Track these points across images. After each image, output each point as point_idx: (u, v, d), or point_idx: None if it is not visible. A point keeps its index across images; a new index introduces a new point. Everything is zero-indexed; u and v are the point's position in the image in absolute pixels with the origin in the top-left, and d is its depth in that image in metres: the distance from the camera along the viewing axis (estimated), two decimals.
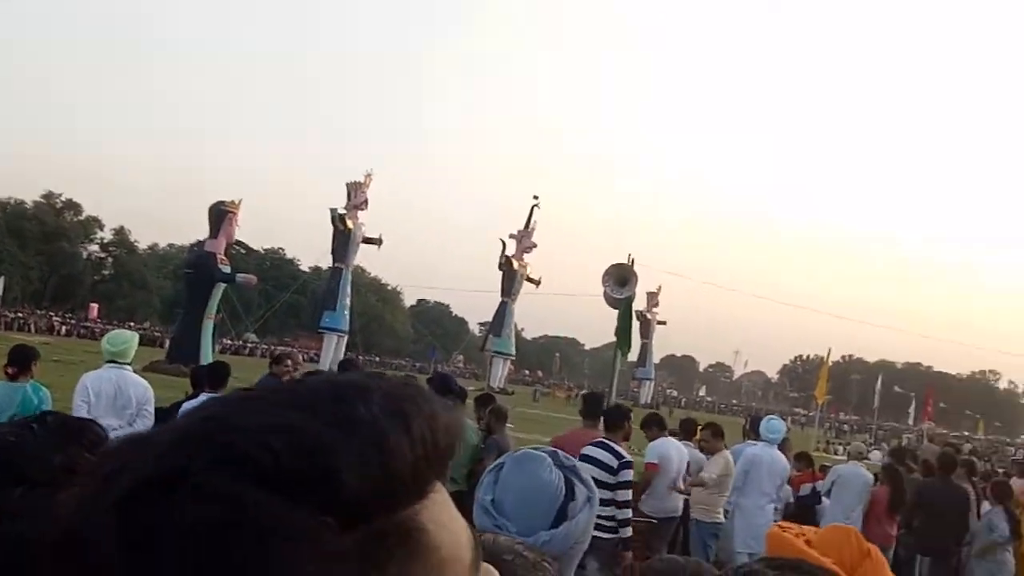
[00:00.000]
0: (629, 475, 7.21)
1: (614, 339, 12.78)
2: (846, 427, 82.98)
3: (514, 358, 68.86)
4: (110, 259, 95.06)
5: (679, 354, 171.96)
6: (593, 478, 2.23)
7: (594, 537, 2.21)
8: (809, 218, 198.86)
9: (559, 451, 2.18)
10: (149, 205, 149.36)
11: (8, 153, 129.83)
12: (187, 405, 7.19)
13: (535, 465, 2.10)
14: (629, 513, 7.25)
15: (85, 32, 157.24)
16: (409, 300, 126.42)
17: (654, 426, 9.31)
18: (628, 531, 7.21)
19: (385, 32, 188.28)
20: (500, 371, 63.18)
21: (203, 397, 7.24)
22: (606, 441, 7.29)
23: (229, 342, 69.52)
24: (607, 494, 6.83)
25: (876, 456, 18.32)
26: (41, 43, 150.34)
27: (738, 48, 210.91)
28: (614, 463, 7.11)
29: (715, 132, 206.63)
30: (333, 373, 0.70)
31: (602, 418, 7.79)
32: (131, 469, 0.40)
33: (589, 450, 7.09)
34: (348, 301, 53.43)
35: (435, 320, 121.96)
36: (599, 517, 2.30)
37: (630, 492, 7.30)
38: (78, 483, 0.41)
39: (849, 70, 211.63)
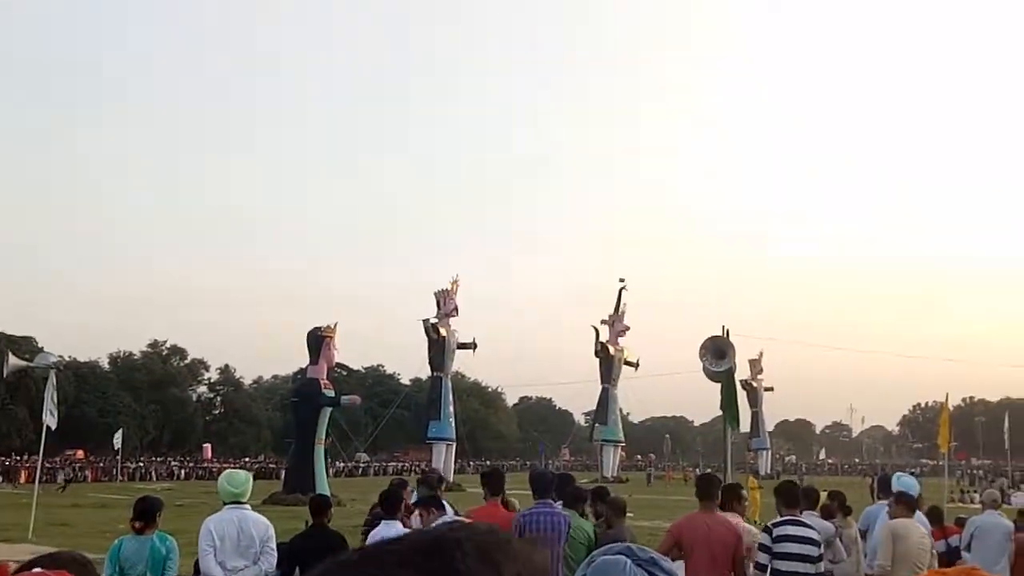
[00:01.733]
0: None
1: (721, 413, 12.63)
2: (979, 472, 79.43)
3: (624, 444, 68.12)
4: (218, 398, 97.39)
5: (792, 418, 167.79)
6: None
7: None
8: (898, 264, 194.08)
9: (633, 546, 2.20)
10: (250, 340, 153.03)
11: (113, 307, 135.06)
12: (374, 534, 7.86)
13: (613, 572, 2.13)
14: None
15: (157, 189, 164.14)
16: (511, 399, 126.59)
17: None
18: None
19: (454, 139, 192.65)
20: (612, 459, 62.60)
21: (382, 525, 7.91)
22: (796, 518, 7.78)
23: (342, 464, 70.18)
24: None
25: (1020, 499, 17.48)
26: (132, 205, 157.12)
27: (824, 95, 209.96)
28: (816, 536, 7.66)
29: (779, 186, 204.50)
30: (431, 528, 0.71)
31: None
32: None
33: (789, 529, 7.56)
34: (452, 408, 53.79)
35: (540, 416, 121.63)
36: None
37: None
38: None
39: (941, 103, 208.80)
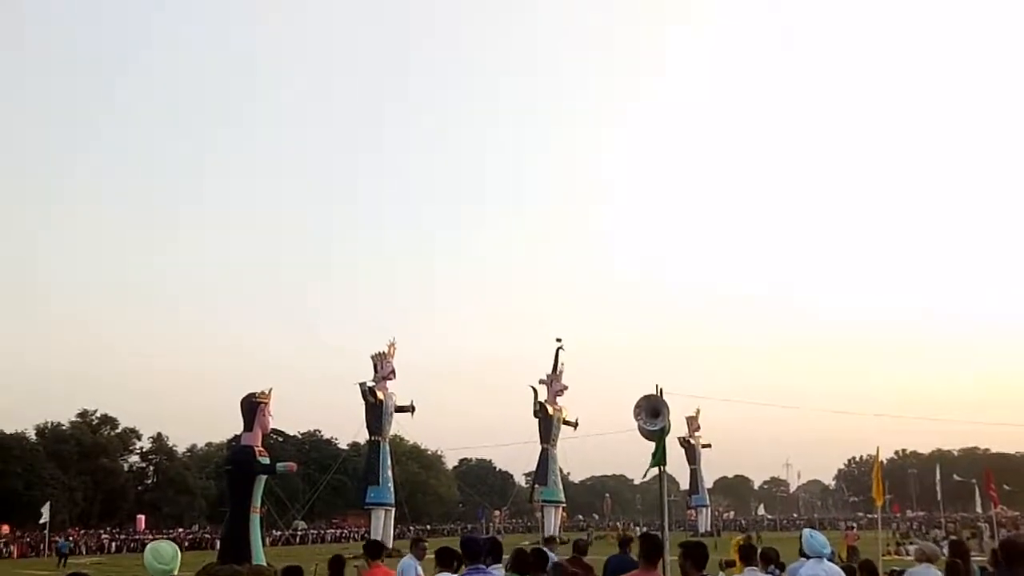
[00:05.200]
0: None
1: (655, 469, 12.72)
2: (913, 524, 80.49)
3: (565, 504, 67.80)
4: (151, 467, 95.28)
5: (731, 475, 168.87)
6: None
7: None
8: (833, 316, 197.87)
9: None
10: (182, 408, 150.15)
11: (39, 376, 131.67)
12: None
13: None
14: None
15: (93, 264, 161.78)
16: (451, 462, 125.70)
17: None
18: None
19: (388, 202, 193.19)
20: (553, 520, 62.17)
21: None
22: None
23: (279, 533, 68.78)
24: None
25: None
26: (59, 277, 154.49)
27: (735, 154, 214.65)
28: None
29: (721, 242, 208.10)
30: None
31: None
32: None
33: None
34: (390, 473, 53.23)
35: (480, 478, 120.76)
36: None
37: None
38: None
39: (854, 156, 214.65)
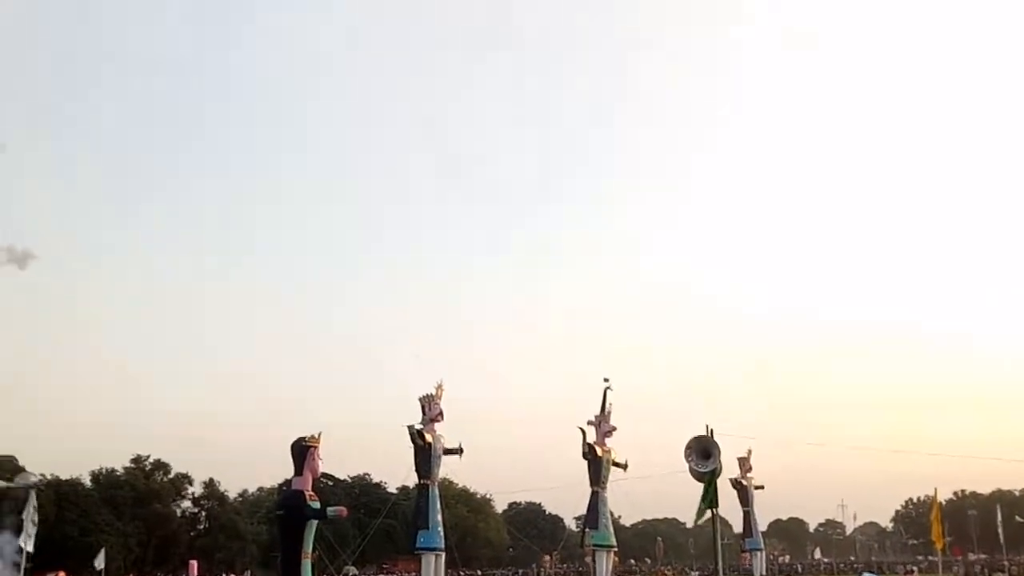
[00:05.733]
0: None
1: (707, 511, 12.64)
2: (976, 568, 78.50)
3: (616, 548, 67.06)
4: (203, 513, 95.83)
5: (785, 517, 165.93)
6: None
7: None
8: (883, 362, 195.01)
9: None
10: (234, 453, 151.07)
11: (93, 423, 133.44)
12: None
13: None
14: None
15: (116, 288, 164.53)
16: (500, 505, 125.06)
17: None
18: None
19: (424, 241, 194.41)
20: (605, 564, 61.48)
21: None
22: None
23: None
24: None
25: None
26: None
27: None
28: None
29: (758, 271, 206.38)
30: None
31: None
32: None
33: None
34: (440, 517, 52.87)
35: (529, 522, 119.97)
36: None
37: None
38: None
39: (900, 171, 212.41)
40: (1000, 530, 64.86)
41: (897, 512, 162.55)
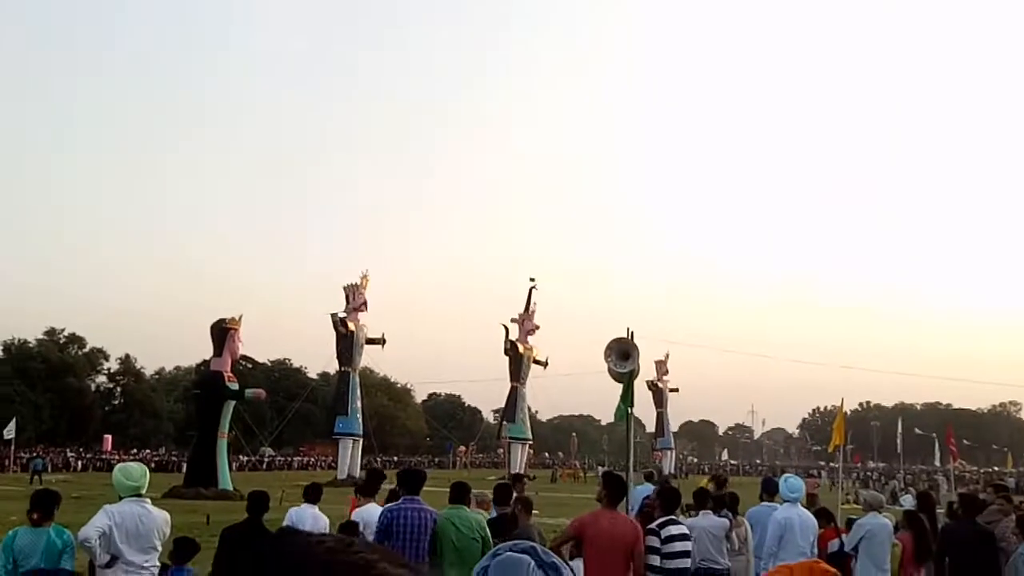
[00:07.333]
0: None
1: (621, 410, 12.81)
2: (873, 475, 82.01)
3: (532, 442, 68.39)
4: (118, 388, 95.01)
5: (696, 419, 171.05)
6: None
7: None
8: (802, 271, 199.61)
9: (538, 547, 2.29)
10: (152, 330, 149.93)
11: (8, 291, 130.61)
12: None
13: (516, 571, 2.22)
14: None
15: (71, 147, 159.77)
16: (420, 396, 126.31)
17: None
18: None
19: (369, 123, 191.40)
20: (520, 457, 62.77)
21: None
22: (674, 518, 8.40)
23: (246, 459, 69.13)
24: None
25: (908, 501, 18.03)
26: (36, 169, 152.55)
27: (725, 115, 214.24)
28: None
29: (705, 200, 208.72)
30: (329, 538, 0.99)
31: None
32: None
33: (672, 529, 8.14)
34: (359, 404, 53.41)
35: (448, 413, 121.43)
36: None
37: None
38: None
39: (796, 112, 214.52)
40: (899, 440, 67.54)
41: (804, 419, 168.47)
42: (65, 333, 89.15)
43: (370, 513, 9.49)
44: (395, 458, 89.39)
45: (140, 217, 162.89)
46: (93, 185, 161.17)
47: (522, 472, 57.41)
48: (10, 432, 56.17)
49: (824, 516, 11.16)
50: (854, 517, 12.27)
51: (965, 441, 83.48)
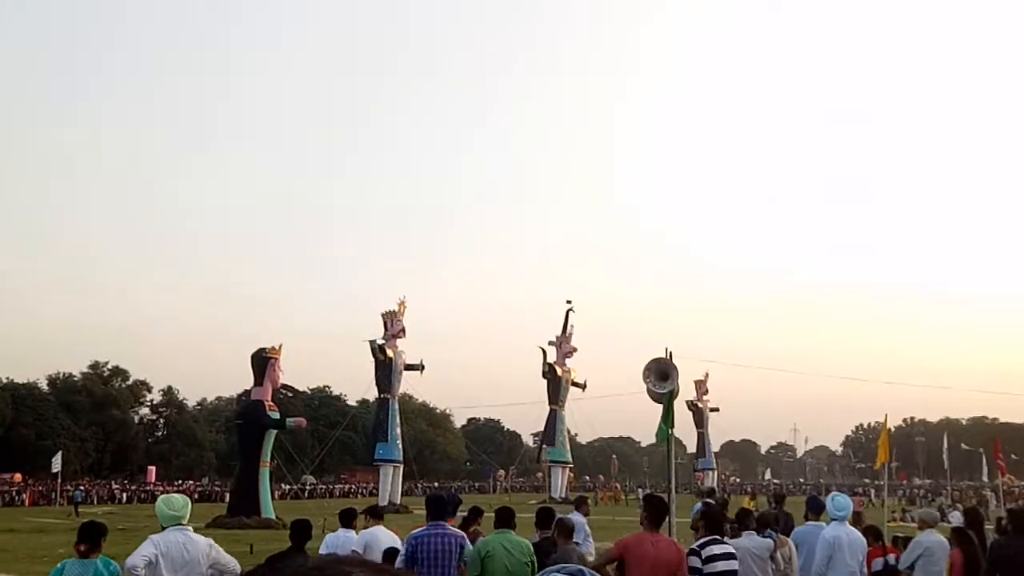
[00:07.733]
0: None
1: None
2: (919, 492, 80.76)
3: (572, 465, 68.18)
4: (161, 420, 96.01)
5: (738, 439, 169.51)
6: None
7: None
8: (844, 283, 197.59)
9: (586, 570, 2.31)
10: (194, 362, 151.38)
11: (52, 327, 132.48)
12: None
13: None
14: None
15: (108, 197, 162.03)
16: (459, 421, 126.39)
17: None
18: None
19: (397, 151, 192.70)
20: (560, 480, 62.58)
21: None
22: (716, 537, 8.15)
23: (288, 487, 69.40)
24: None
25: (956, 517, 17.76)
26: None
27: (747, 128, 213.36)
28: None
29: (734, 209, 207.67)
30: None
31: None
32: None
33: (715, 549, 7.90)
34: (399, 430, 53.52)
35: (487, 438, 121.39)
36: None
37: None
38: None
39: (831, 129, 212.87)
40: (945, 456, 66.36)
41: (847, 437, 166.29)
42: (109, 366, 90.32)
43: (374, 536, 9.87)
44: (435, 484, 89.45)
45: (176, 246, 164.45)
46: (136, 220, 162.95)
47: (564, 495, 57.32)
48: (56, 465, 56.91)
49: (872, 534, 11.04)
50: (901, 535, 12.14)
51: (1013, 456, 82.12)
